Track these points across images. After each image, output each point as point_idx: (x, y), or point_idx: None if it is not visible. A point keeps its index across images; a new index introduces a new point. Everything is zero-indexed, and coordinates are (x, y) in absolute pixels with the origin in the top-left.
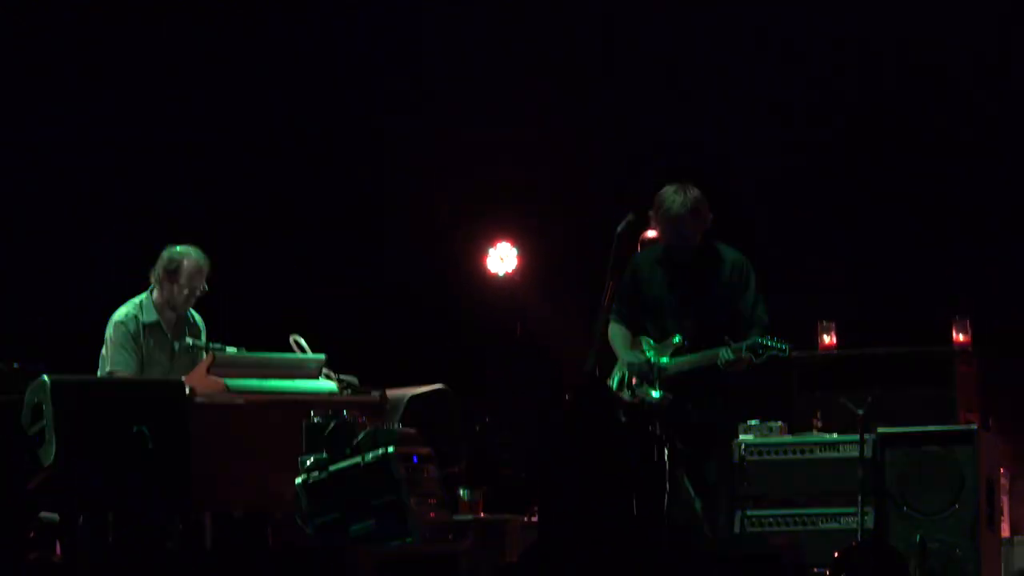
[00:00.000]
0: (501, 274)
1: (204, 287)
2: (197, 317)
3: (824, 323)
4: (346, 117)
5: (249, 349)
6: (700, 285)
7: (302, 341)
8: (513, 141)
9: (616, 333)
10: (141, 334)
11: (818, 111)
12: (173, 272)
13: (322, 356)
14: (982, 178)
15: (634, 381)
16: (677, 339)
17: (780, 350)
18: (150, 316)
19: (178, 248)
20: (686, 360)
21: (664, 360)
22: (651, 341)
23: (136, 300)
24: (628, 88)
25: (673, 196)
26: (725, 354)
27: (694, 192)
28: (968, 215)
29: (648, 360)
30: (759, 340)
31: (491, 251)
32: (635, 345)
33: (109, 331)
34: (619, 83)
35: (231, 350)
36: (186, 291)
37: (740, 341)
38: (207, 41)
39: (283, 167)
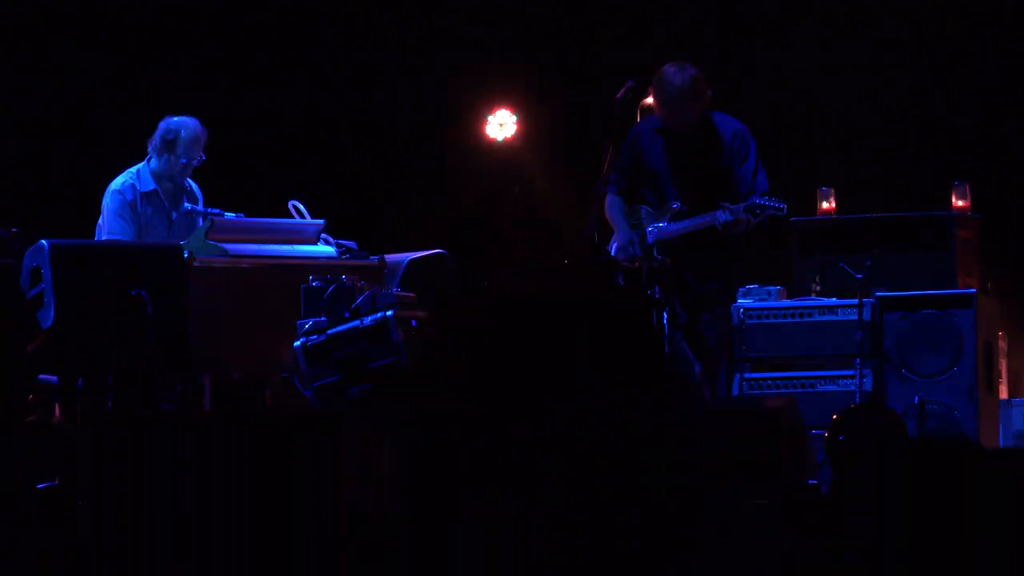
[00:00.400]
0: (500, 140)
1: (202, 157)
2: (194, 185)
3: (823, 189)
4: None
5: (248, 215)
6: (700, 154)
7: (301, 207)
8: (513, 6)
9: (613, 203)
10: (139, 202)
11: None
12: (171, 142)
13: (321, 221)
14: (978, 44)
15: (630, 250)
16: (676, 205)
17: (778, 209)
18: (147, 185)
19: (175, 118)
20: (684, 224)
21: (661, 224)
22: (648, 209)
23: (133, 169)
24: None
25: (672, 76)
26: (723, 215)
27: (692, 71)
28: (966, 78)
29: (644, 230)
30: (755, 200)
31: (490, 118)
32: (632, 215)
33: (106, 200)
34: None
35: (230, 215)
36: (183, 160)
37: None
38: None
39: (281, 32)
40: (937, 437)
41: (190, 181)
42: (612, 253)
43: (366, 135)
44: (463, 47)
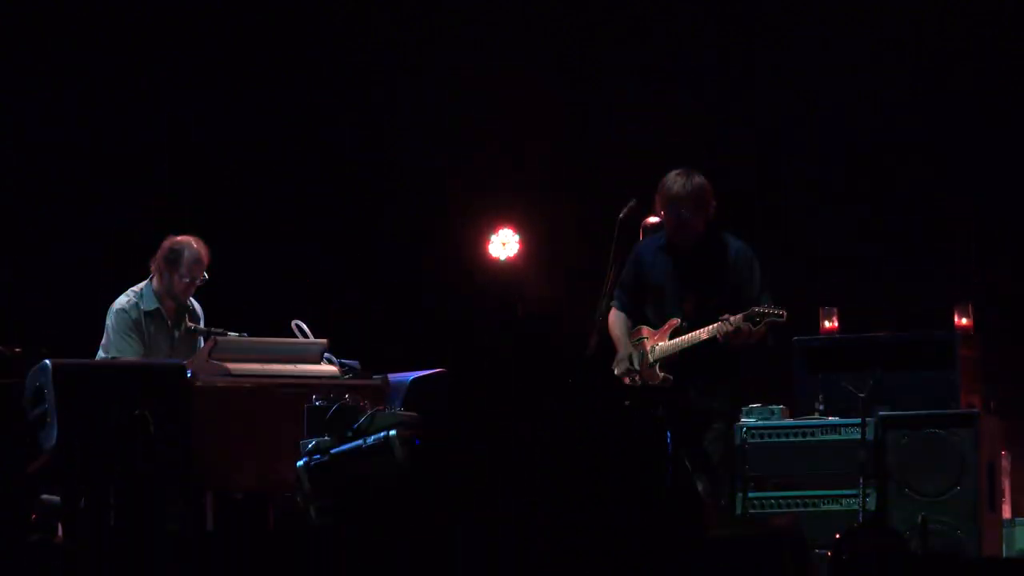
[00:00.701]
0: (503, 259)
1: (204, 276)
2: (196, 304)
3: (826, 308)
4: (347, 101)
5: (251, 335)
6: (703, 271)
7: (304, 326)
8: (515, 127)
9: (616, 319)
10: (142, 322)
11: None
12: (174, 261)
13: (324, 341)
14: (982, 164)
15: (631, 367)
16: (676, 321)
17: (777, 315)
18: (150, 304)
19: (179, 238)
20: (684, 338)
21: (662, 344)
22: (650, 328)
23: (136, 288)
24: (631, 74)
25: (675, 180)
26: (724, 326)
27: (698, 178)
28: (970, 199)
29: (644, 348)
30: (754, 309)
31: (493, 237)
32: (634, 334)
33: (110, 319)
34: (623, 69)
35: (232, 335)
36: (186, 280)
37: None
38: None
39: (283, 153)
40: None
41: (192, 300)
42: (615, 370)
43: (368, 255)
44: (467, 165)
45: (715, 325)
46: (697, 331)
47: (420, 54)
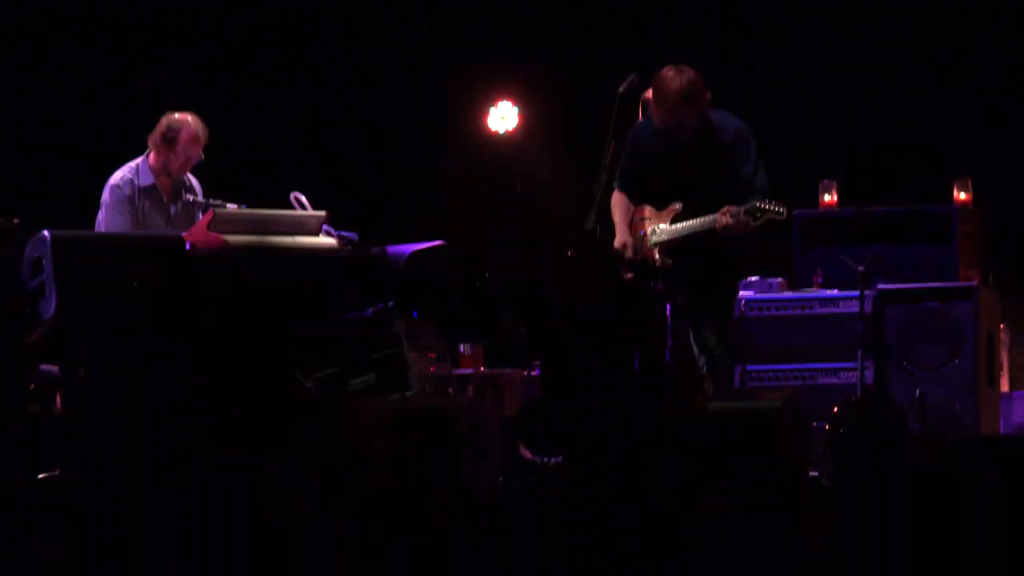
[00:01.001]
0: (502, 132)
1: (200, 155)
2: (193, 180)
3: (825, 182)
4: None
5: (249, 206)
6: (700, 155)
7: (303, 198)
8: (515, 4)
9: (616, 202)
10: (137, 197)
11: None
12: (170, 139)
13: (323, 213)
14: (979, 38)
15: (629, 252)
16: (678, 205)
17: (777, 213)
18: (146, 179)
19: (176, 115)
20: (684, 225)
21: (662, 226)
22: (652, 209)
23: (132, 163)
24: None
25: (670, 81)
26: (723, 219)
27: (690, 74)
28: (969, 73)
29: (645, 230)
30: (756, 204)
31: (492, 110)
32: (636, 213)
33: (104, 194)
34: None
35: (231, 206)
36: (182, 159)
37: (739, 206)
38: None
39: (281, 30)
40: (937, 431)
41: (189, 175)
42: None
43: (367, 129)
44: (464, 44)
45: (713, 217)
46: (696, 219)
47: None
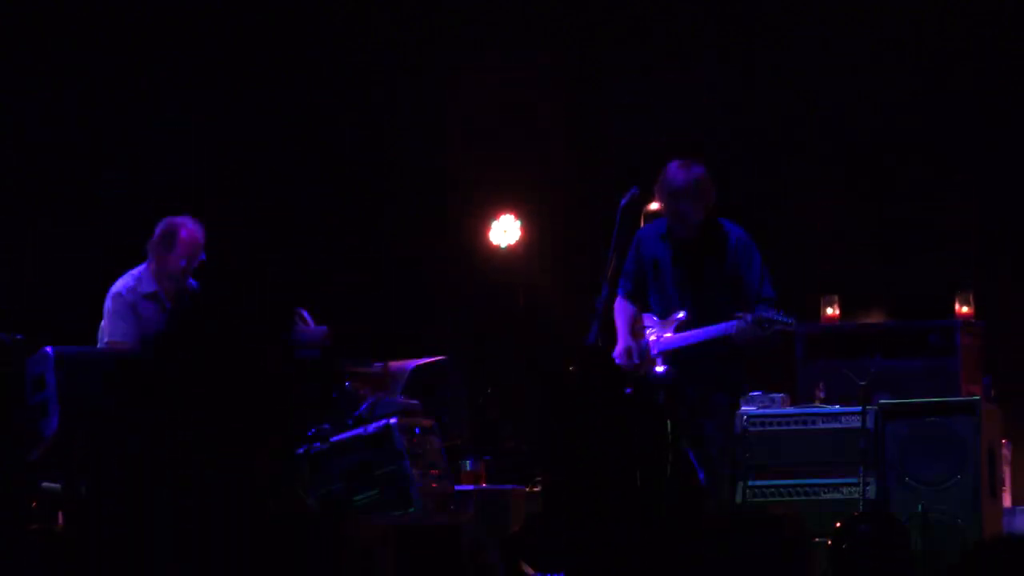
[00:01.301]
0: (504, 247)
1: (201, 257)
2: (196, 285)
3: (827, 296)
4: (348, 89)
5: None
6: (704, 260)
7: (305, 314)
8: (517, 114)
9: (620, 308)
10: (139, 304)
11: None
12: (169, 243)
13: (324, 328)
14: (981, 151)
15: (632, 358)
16: (682, 315)
17: (786, 324)
18: (148, 286)
19: (174, 218)
20: (693, 333)
21: (667, 335)
22: (654, 317)
23: (134, 271)
24: (635, 64)
25: (675, 171)
26: (731, 328)
27: (698, 169)
28: (970, 187)
29: (647, 339)
30: (764, 314)
31: (494, 224)
32: (637, 322)
33: (108, 302)
34: (627, 59)
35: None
36: (183, 261)
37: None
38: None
39: (283, 138)
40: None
41: (192, 282)
42: (615, 359)
43: (369, 243)
44: (468, 152)
45: (729, 324)
46: (707, 329)
47: (420, 54)
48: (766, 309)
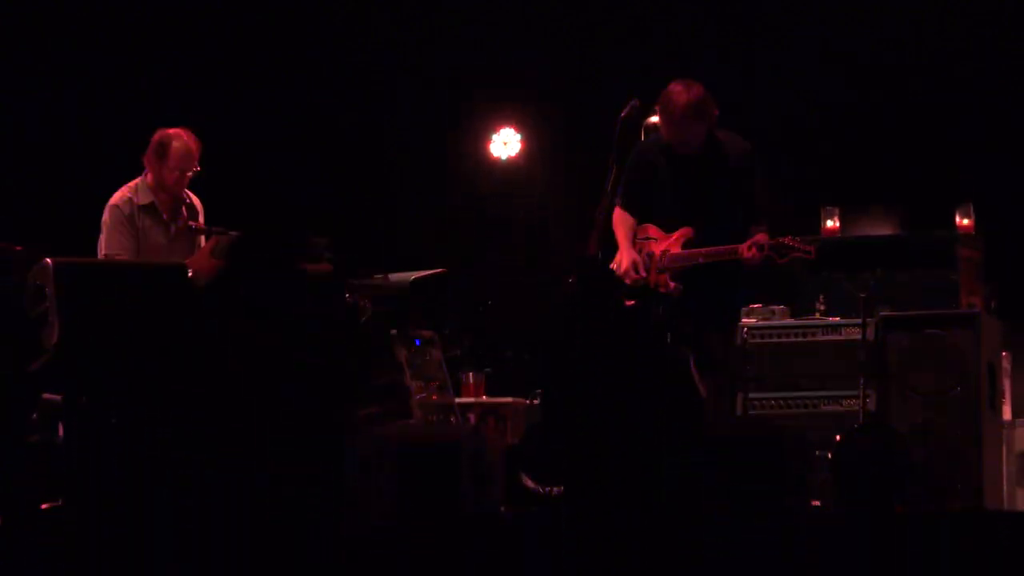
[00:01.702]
0: (504, 159)
1: (195, 168)
2: (195, 199)
3: (827, 208)
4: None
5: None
6: (707, 175)
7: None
8: (516, 25)
9: (621, 219)
10: (136, 216)
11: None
12: (162, 154)
13: (325, 239)
14: (983, 65)
15: (640, 271)
16: (691, 231)
17: (806, 252)
18: (145, 198)
19: (168, 130)
20: (702, 252)
21: (675, 252)
22: (657, 229)
23: (131, 183)
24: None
25: (678, 95)
26: (748, 252)
27: (698, 89)
28: (971, 100)
29: (652, 251)
30: (786, 242)
31: (494, 136)
32: (640, 232)
33: (105, 215)
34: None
35: (233, 233)
36: (176, 173)
37: (750, 233)
38: None
39: (286, 40)
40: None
41: (190, 194)
42: (616, 271)
43: (370, 155)
44: (468, 65)
45: (734, 247)
46: (716, 248)
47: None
48: (787, 238)
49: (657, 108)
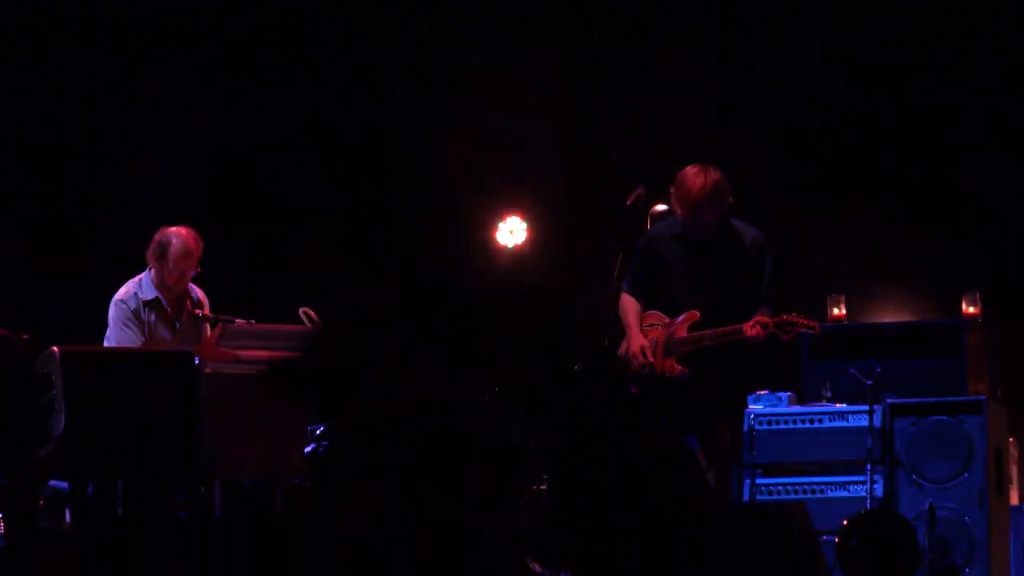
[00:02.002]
0: (510, 247)
1: (195, 269)
2: (198, 291)
3: (833, 296)
4: (358, 92)
5: (258, 322)
6: (718, 262)
7: (312, 313)
8: (524, 115)
9: (628, 306)
10: (142, 311)
11: (830, 81)
12: (162, 254)
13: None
14: (989, 152)
15: (647, 356)
16: (697, 314)
17: (809, 328)
18: (149, 293)
19: (169, 229)
20: (708, 334)
21: (682, 336)
22: (662, 315)
23: (135, 279)
24: (635, 64)
25: (694, 178)
26: (752, 331)
27: (715, 174)
28: (977, 188)
29: (659, 337)
30: (788, 318)
31: (500, 224)
32: (645, 319)
33: (111, 311)
34: (630, 61)
35: (239, 322)
36: (175, 273)
37: (753, 317)
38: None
39: (283, 152)
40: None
41: (194, 287)
42: (623, 356)
43: (377, 242)
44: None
45: (740, 327)
46: (721, 329)
47: (420, 54)
48: (790, 314)
49: (672, 190)
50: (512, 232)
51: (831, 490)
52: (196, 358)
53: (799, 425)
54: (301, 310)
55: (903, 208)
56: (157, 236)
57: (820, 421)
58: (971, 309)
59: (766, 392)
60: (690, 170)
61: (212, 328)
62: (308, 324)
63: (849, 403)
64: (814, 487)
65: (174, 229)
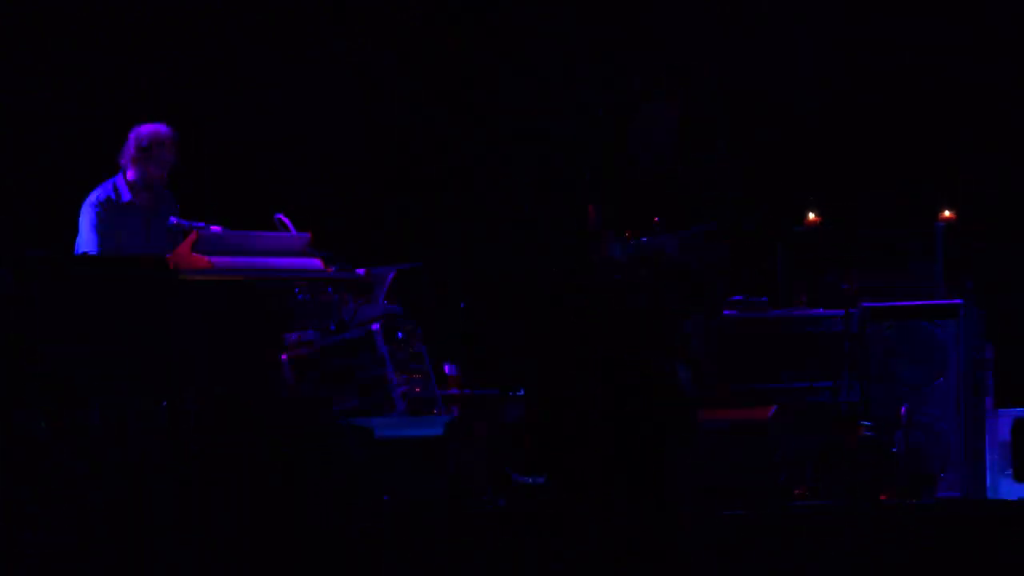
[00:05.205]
0: None
1: (174, 159)
2: (171, 196)
3: (809, 200)
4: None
5: (231, 227)
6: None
7: (286, 220)
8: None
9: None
10: (115, 215)
11: None
12: (143, 150)
13: (307, 234)
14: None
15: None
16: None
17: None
18: (124, 196)
19: (145, 126)
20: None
21: (644, 239)
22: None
23: (108, 182)
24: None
25: None
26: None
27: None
28: (953, 96)
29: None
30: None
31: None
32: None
33: (82, 215)
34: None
35: (214, 228)
36: (157, 168)
37: None
38: None
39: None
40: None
41: (167, 192)
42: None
43: (350, 146)
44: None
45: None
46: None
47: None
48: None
49: None
50: None
51: (807, 395)
52: (170, 264)
53: (775, 330)
54: (276, 216)
55: (881, 116)
56: (134, 134)
57: (796, 326)
58: (947, 213)
59: (741, 297)
60: None
61: (185, 235)
62: (283, 230)
63: (825, 308)
64: (790, 392)
65: (149, 125)
